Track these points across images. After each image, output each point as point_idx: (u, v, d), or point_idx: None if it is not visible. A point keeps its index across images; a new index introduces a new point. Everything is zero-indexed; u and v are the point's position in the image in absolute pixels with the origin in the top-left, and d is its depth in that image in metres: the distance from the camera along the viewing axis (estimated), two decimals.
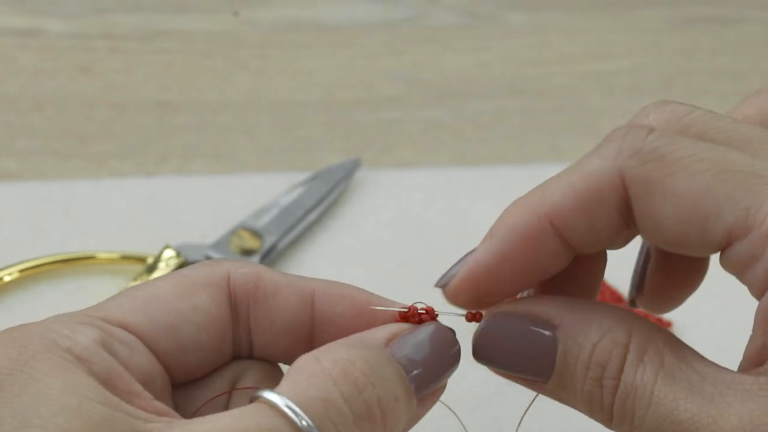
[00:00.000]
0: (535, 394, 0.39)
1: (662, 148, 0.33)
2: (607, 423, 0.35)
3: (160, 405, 0.35)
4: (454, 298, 0.38)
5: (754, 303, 0.36)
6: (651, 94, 0.79)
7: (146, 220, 0.65)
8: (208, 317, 0.38)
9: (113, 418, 0.33)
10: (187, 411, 0.38)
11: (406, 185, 0.69)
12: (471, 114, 0.77)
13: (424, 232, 0.66)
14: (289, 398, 0.34)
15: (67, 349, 0.34)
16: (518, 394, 0.57)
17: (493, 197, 0.68)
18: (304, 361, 0.35)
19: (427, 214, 0.67)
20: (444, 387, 0.38)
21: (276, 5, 0.86)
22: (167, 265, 0.60)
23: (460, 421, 0.43)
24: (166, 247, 0.61)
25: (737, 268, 0.33)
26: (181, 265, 0.60)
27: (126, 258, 0.61)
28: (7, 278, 0.60)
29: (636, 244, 0.40)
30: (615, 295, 0.61)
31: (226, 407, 0.38)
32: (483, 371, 0.56)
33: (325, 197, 0.66)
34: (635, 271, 0.40)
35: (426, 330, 0.38)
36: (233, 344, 0.39)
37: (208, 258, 0.61)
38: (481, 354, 0.38)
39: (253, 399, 0.34)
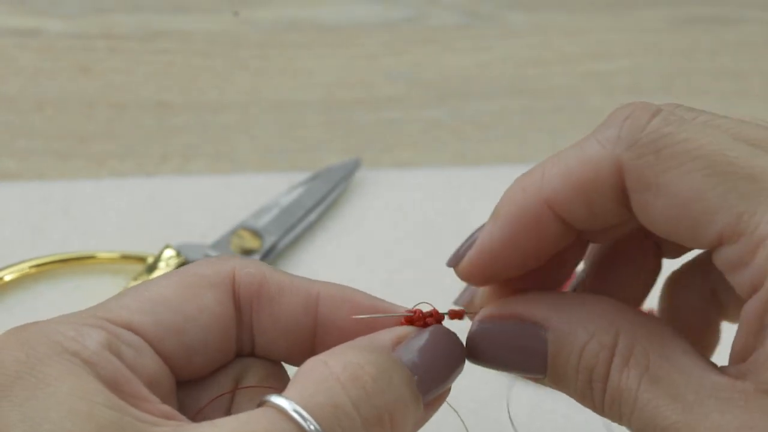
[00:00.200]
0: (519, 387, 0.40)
1: (661, 140, 0.33)
2: (602, 416, 0.36)
3: (167, 408, 0.35)
4: (466, 278, 0.38)
5: None
6: (651, 94, 0.79)
7: (146, 220, 0.65)
8: (213, 318, 0.38)
9: (122, 422, 0.33)
10: (190, 410, 0.38)
11: (406, 185, 0.69)
12: (471, 114, 0.77)
13: (424, 232, 0.66)
14: (298, 403, 0.34)
15: (75, 353, 0.34)
16: (520, 394, 0.57)
17: (493, 197, 0.68)
18: (313, 364, 0.35)
19: (427, 214, 0.68)
20: (449, 390, 0.38)
21: (276, 5, 0.86)
22: (167, 265, 0.60)
23: (462, 421, 0.43)
24: (166, 246, 0.61)
25: (725, 269, 0.33)
26: (181, 265, 0.60)
27: (126, 258, 0.61)
28: (7, 278, 0.60)
29: None
30: None
31: (230, 406, 0.38)
32: (484, 372, 0.57)
33: (325, 197, 0.66)
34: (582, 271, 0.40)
35: (431, 333, 0.38)
36: (236, 343, 0.39)
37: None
38: (475, 356, 0.38)
39: (261, 403, 0.34)
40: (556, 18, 0.88)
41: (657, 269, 0.40)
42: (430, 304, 0.39)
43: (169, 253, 0.60)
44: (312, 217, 0.65)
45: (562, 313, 0.35)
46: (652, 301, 0.64)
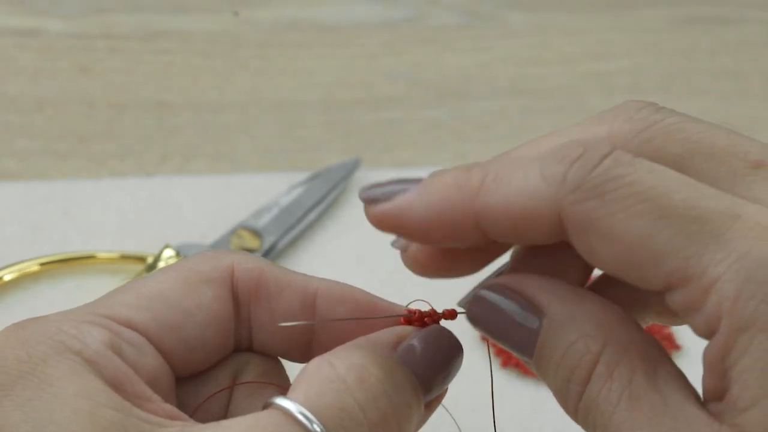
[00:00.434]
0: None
1: (608, 183, 0.32)
2: (573, 420, 0.35)
3: (169, 408, 0.35)
4: (373, 223, 0.37)
5: None
6: (651, 94, 0.79)
7: (146, 220, 0.65)
8: (212, 314, 0.38)
9: (126, 423, 0.33)
10: (189, 405, 0.37)
11: None
12: (471, 114, 0.77)
13: None
14: (303, 405, 0.33)
15: (77, 352, 0.34)
16: (516, 396, 0.57)
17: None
18: (318, 364, 0.35)
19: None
20: (446, 391, 0.38)
21: (276, 5, 0.86)
22: (167, 265, 0.60)
23: (455, 422, 0.43)
24: (166, 246, 0.61)
25: (678, 311, 0.32)
26: None
27: (126, 257, 0.61)
28: (7, 277, 0.60)
29: None
30: None
31: (228, 401, 0.38)
32: (480, 373, 0.57)
33: (325, 197, 0.66)
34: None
35: (431, 335, 0.38)
36: (234, 338, 0.39)
37: None
38: (473, 317, 0.37)
39: (267, 405, 0.34)
40: (556, 18, 0.88)
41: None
42: (427, 302, 0.39)
43: (168, 252, 0.60)
44: (312, 216, 0.65)
45: (562, 305, 0.35)
46: None
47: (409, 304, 0.39)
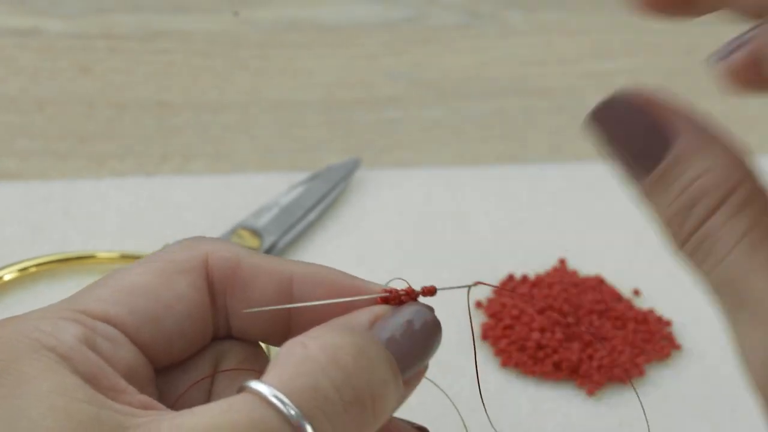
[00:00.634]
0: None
1: None
2: (677, 251, 0.34)
3: (145, 398, 0.35)
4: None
5: None
6: None
7: (146, 220, 0.65)
8: (190, 304, 0.38)
9: (100, 416, 0.33)
10: (170, 396, 0.38)
11: (406, 185, 0.69)
12: (471, 114, 0.77)
13: (424, 232, 0.66)
14: (277, 387, 0.33)
15: (52, 349, 0.34)
16: (516, 396, 0.57)
17: (493, 197, 0.68)
18: (291, 346, 0.35)
19: (427, 214, 0.67)
20: (427, 368, 0.38)
21: (276, 5, 0.86)
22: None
23: (461, 417, 0.43)
24: (166, 246, 0.61)
25: None
26: None
27: (126, 257, 0.61)
28: (7, 277, 0.60)
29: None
30: (614, 295, 0.61)
31: (210, 389, 0.38)
32: (485, 371, 0.57)
33: (325, 197, 0.66)
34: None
35: (407, 311, 0.38)
36: (213, 326, 0.39)
37: None
38: (597, 121, 0.36)
39: (241, 389, 0.34)
40: (556, 18, 0.88)
41: None
42: (405, 281, 0.39)
43: None
44: (312, 216, 0.65)
45: (699, 134, 0.34)
46: (668, 314, 0.64)
47: (387, 283, 0.39)
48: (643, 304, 0.62)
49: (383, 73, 0.80)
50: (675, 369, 0.59)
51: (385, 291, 0.39)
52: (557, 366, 0.57)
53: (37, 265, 0.60)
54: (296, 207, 0.65)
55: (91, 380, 0.34)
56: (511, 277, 0.63)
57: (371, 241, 0.65)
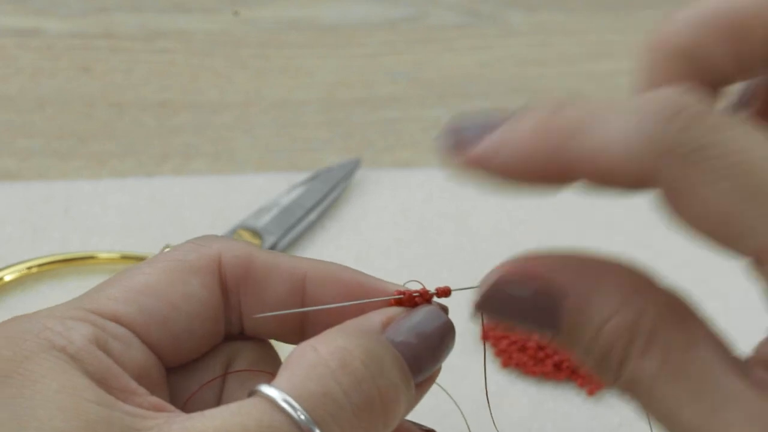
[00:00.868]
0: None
1: (701, 151, 0.30)
2: (615, 390, 0.34)
3: (156, 400, 0.35)
4: (463, 169, 0.34)
5: (755, 300, 0.35)
6: None
7: (146, 220, 0.65)
8: (201, 304, 0.37)
9: (111, 418, 0.33)
10: (181, 395, 0.37)
11: (406, 185, 0.69)
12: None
13: (424, 232, 0.66)
14: (287, 392, 0.33)
15: (62, 349, 0.34)
16: (516, 396, 0.57)
17: (493, 197, 0.68)
18: (302, 350, 0.35)
19: (427, 214, 0.67)
20: (439, 370, 0.38)
21: (276, 5, 0.86)
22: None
23: (464, 418, 0.43)
24: (166, 246, 0.61)
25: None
26: None
27: (126, 258, 0.61)
28: (7, 278, 0.60)
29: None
30: None
31: (221, 390, 0.38)
32: (490, 369, 0.57)
33: (325, 197, 0.66)
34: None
35: (421, 313, 0.37)
36: (225, 325, 0.39)
37: None
38: (485, 307, 0.35)
39: (251, 393, 0.34)
40: (556, 18, 0.88)
41: None
42: (420, 282, 0.39)
43: None
44: (312, 216, 0.65)
45: (583, 281, 0.33)
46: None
47: (404, 284, 0.39)
48: None
49: (383, 73, 0.80)
50: None
51: (399, 293, 0.38)
52: (558, 366, 0.57)
53: (37, 266, 0.60)
54: (296, 207, 0.65)
55: (101, 381, 0.34)
56: None
57: (371, 241, 0.65)
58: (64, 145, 0.72)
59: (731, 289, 0.60)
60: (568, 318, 0.33)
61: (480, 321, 0.35)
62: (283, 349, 0.40)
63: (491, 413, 0.43)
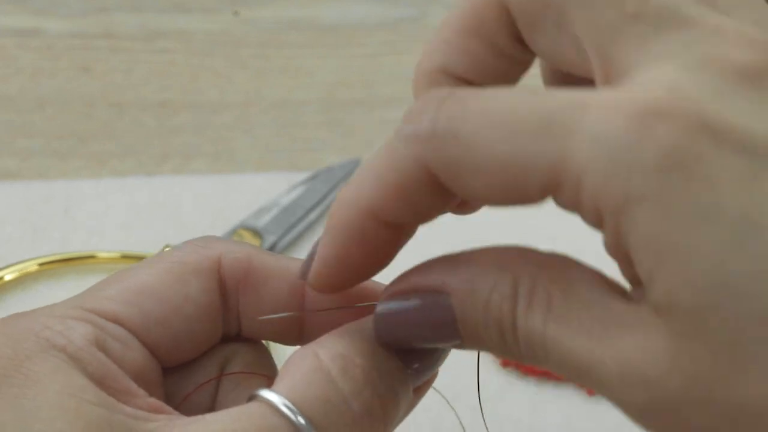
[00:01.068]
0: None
1: (455, 121, 0.31)
2: (528, 363, 0.34)
3: (154, 401, 0.35)
4: (319, 289, 0.36)
5: None
6: None
7: (146, 220, 0.65)
8: (200, 307, 0.37)
9: (111, 420, 0.33)
10: (176, 395, 0.37)
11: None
12: None
13: (424, 232, 0.66)
14: (288, 397, 0.33)
15: (62, 349, 0.34)
16: (516, 396, 0.57)
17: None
18: (302, 355, 0.35)
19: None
20: (437, 374, 0.38)
21: (276, 5, 0.86)
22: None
23: (458, 418, 0.43)
24: (166, 246, 0.61)
25: (569, 210, 0.31)
26: None
27: (126, 257, 0.61)
28: (7, 277, 0.60)
29: None
30: None
31: (216, 391, 0.38)
32: (482, 369, 0.57)
33: (325, 197, 0.66)
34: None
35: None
36: (223, 327, 0.39)
37: None
38: (386, 338, 0.35)
39: (251, 397, 0.34)
40: None
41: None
42: None
43: None
44: (312, 216, 0.65)
45: (459, 274, 0.33)
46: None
47: None
48: None
49: (383, 73, 0.80)
50: None
51: None
52: None
53: (37, 265, 0.60)
54: (296, 207, 0.65)
55: (101, 382, 0.34)
56: None
57: None
58: (64, 145, 0.72)
59: None
60: (459, 314, 0.33)
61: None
62: (278, 349, 0.40)
63: (483, 415, 0.42)
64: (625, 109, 0.29)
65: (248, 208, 0.66)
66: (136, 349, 0.36)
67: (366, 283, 0.38)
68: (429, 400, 0.40)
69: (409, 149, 0.32)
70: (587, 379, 0.31)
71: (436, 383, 0.39)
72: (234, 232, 0.63)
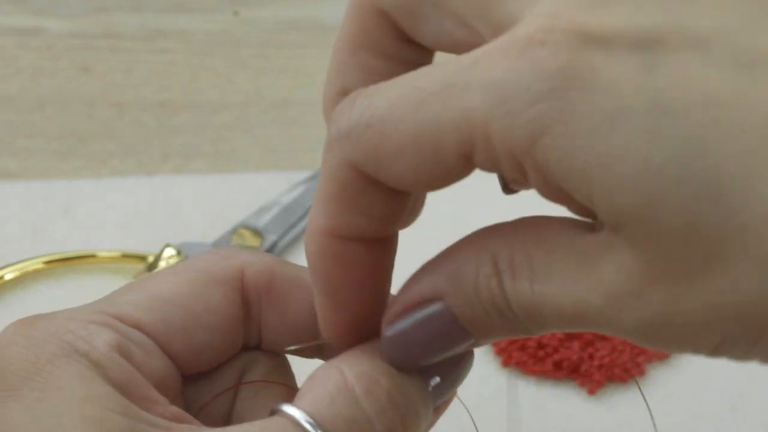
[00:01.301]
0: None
1: (367, 111, 0.31)
2: (537, 334, 0.34)
3: (176, 410, 0.34)
4: (340, 343, 0.36)
5: None
6: None
7: (147, 219, 0.65)
8: (222, 317, 0.37)
9: (134, 429, 0.32)
10: (195, 403, 0.37)
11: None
12: None
13: (424, 231, 0.66)
14: (311, 414, 0.33)
15: (84, 354, 0.34)
16: (521, 393, 0.57)
17: (493, 197, 0.68)
18: (327, 371, 0.35)
19: (426, 214, 0.67)
20: (456, 392, 0.38)
21: (276, 5, 0.86)
22: (167, 264, 0.60)
23: (471, 418, 0.43)
24: (167, 245, 0.61)
25: (489, 170, 0.32)
26: None
27: (127, 257, 0.61)
28: (8, 277, 0.60)
29: None
30: None
31: (234, 400, 0.38)
32: (488, 368, 0.57)
33: None
34: None
35: None
36: (244, 337, 0.39)
37: None
38: (403, 364, 0.35)
39: (274, 412, 0.34)
40: None
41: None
42: None
43: (169, 252, 0.60)
44: None
45: (443, 273, 0.33)
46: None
47: None
48: None
49: None
50: (676, 368, 0.59)
51: None
52: (558, 365, 0.57)
53: (37, 265, 0.60)
54: (297, 206, 0.65)
55: (124, 390, 0.33)
56: None
57: None
58: (64, 145, 0.72)
59: None
60: (459, 313, 0.33)
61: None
62: (294, 359, 0.40)
63: (472, 418, 0.42)
64: (507, 50, 0.29)
65: (248, 207, 0.66)
66: (158, 356, 0.36)
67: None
68: None
69: (335, 154, 0.32)
70: (584, 323, 0.31)
71: None
72: (234, 231, 0.63)
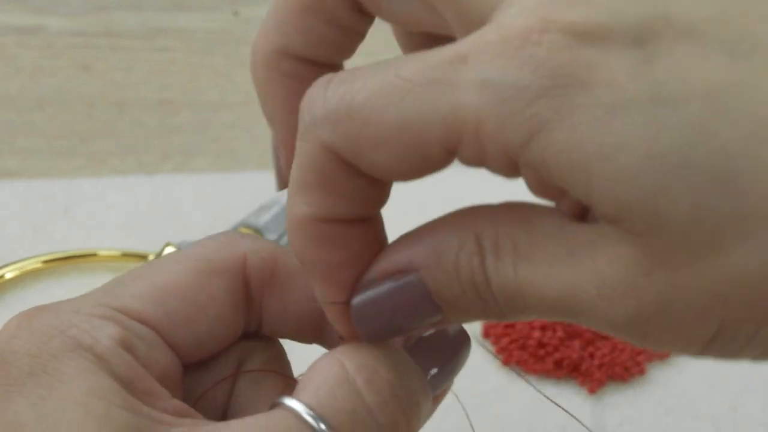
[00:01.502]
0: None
1: (344, 97, 0.31)
2: (509, 321, 0.34)
3: (178, 404, 0.34)
4: (363, 334, 0.35)
5: None
6: None
7: (147, 218, 0.65)
8: (224, 307, 0.37)
9: (138, 424, 0.32)
10: (193, 391, 0.37)
11: (406, 184, 0.69)
12: None
13: (414, 216, 0.66)
14: (312, 407, 0.33)
15: (89, 348, 0.34)
16: (517, 395, 0.57)
17: (493, 197, 0.68)
18: (327, 363, 0.35)
19: (426, 213, 0.67)
20: (452, 382, 0.38)
21: None
22: (177, 252, 0.60)
23: (467, 415, 0.43)
24: (167, 244, 0.61)
25: (475, 165, 0.31)
26: None
27: (127, 256, 0.61)
28: (8, 275, 0.60)
29: None
30: None
31: (232, 389, 0.38)
32: (487, 365, 0.57)
33: None
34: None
35: (438, 328, 0.38)
36: (244, 325, 0.39)
37: None
38: (367, 331, 0.34)
39: (275, 405, 0.34)
40: None
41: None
42: None
43: (169, 251, 0.60)
44: None
45: (423, 247, 0.33)
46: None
47: None
48: None
49: None
50: (676, 368, 0.59)
51: None
52: (558, 364, 0.57)
53: (38, 264, 0.60)
54: None
55: (128, 384, 0.33)
56: None
57: None
58: (64, 144, 0.72)
59: None
60: (434, 287, 0.33)
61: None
62: (289, 345, 0.40)
63: (468, 417, 0.43)
64: (501, 49, 0.29)
65: (249, 206, 0.66)
66: (161, 349, 0.36)
67: None
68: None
69: (310, 142, 0.32)
70: (568, 312, 0.31)
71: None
72: (235, 230, 0.63)
